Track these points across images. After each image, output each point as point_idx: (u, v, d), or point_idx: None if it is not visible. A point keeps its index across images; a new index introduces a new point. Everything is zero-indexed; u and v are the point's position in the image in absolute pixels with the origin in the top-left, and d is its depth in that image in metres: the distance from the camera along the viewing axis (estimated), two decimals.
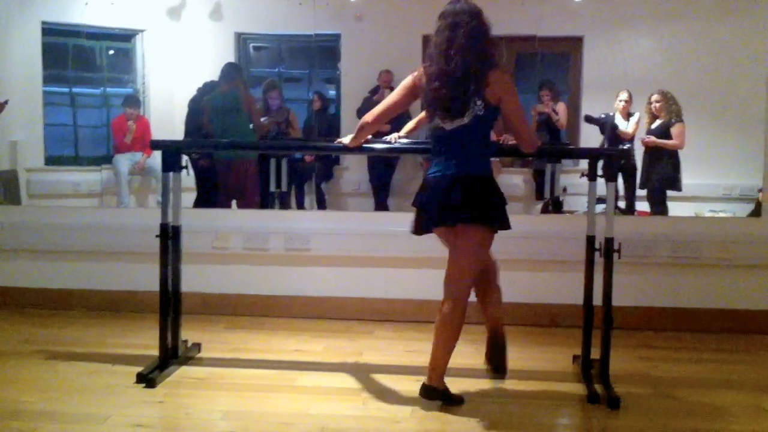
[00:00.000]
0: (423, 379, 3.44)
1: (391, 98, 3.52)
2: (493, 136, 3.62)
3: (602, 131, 6.15)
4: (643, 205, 6.11)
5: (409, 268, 4.99)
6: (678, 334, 4.77)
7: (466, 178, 3.30)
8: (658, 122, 5.91)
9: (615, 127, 6.13)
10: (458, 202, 3.28)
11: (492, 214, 3.35)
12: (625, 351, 4.28)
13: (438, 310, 3.40)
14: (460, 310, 3.36)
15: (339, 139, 3.75)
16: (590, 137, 6.28)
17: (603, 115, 6.17)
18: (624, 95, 6.14)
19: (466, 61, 3.25)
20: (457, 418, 3.33)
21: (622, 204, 5.87)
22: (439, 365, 3.40)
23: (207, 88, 6.34)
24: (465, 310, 3.38)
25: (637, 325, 4.81)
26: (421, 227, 3.49)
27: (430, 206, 3.38)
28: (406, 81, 3.47)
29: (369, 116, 3.55)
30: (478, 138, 3.35)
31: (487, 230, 3.38)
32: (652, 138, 5.92)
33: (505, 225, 3.42)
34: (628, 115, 6.16)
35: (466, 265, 3.40)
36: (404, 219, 5.09)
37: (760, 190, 5.60)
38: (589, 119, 6.21)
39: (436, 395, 3.42)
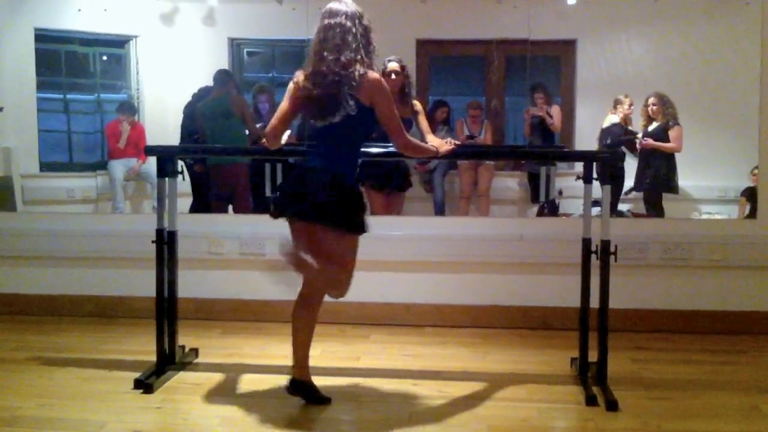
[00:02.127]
0: (420, 383, 3.45)
1: (280, 106, 3.51)
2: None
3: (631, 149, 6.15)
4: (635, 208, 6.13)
5: (403, 272, 5.00)
6: (671, 336, 4.79)
7: (321, 173, 3.35)
8: (654, 125, 5.92)
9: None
10: (316, 200, 3.33)
11: (341, 216, 3.38)
12: (619, 353, 4.28)
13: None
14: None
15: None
16: (585, 140, 6.29)
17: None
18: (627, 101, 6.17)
19: (338, 61, 3.27)
20: (454, 420, 3.34)
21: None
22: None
23: (202, 94, 6.34)
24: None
25: (631, 327, 4.83)
26: (272, 209, 3.54)
27: (284, 194, 3.50)
28: (289, 86, 3.46)
29: (268, 126, 3.54)
30: (347, 137, 3.38)
31: (331, 232, 3.40)
32: (650, 141, 5.94)
33: (355, 229, 3.46)
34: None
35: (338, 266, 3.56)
36: (398, 223, 5.13)
37: (742, 194, 5.64)
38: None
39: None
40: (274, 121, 3.51)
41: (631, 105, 6.13)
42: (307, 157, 3.48)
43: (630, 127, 6.12)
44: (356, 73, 3.27)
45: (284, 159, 4.13)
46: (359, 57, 3.30)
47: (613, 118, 6.16)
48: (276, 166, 5.04)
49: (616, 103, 6.18)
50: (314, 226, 3.37)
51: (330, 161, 3.37)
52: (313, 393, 3.52)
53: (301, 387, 3.50)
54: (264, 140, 3.64)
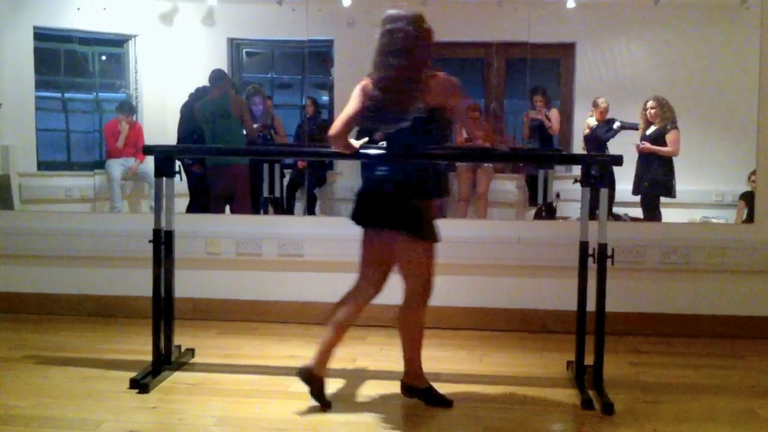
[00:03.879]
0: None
1: (347, 108, 3.49)
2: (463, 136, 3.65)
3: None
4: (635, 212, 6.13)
5: None
6: (669, 340, 4.79)
7: (389, 181, 3.38)
8: (653, 128, 5.92)
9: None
10: (382, 206, 3.38)
11: (409, 223, 3.39)
12: (616, 356, 4.29)
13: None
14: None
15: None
16: (582, 143, 6.29)
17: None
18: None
19: (404, 66, 3.28)
20: (451, 422, 3.34)
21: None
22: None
23: (199, 94, 6.34)
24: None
25: (628, 331, 4.83)
26: (359, 218, 3.52)
27: (358, 203, 3.48)
28: (356, 90, 3.46)
29: (332, 130, 3.51)
30: (419, 141, 3.39)
31: (414, 240, 3.42)
32: (647, 144, 5.94)
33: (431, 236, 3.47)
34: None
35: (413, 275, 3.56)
36: None
37: (741, 198, 5.64)
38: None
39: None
40: (338, 124, 3.48)
41: (606, 107, 6.17)
42: (378, 164, 3.46)
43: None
44: (424, 77, 3.29)
45: (280, 160, 4.14)
46: (424, 60, 3.33)
47: (591, 121, 6.19)
48: (275, 167, 5.06)
49: (594, 105, 6.21)
50: (397, 234, 3.42)
51: (401, 166, 3.39)
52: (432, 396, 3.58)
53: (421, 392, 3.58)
54: (331, 143, 3.60)
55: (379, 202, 3.41)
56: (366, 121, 3.45)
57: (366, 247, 3.56)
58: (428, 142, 3.42)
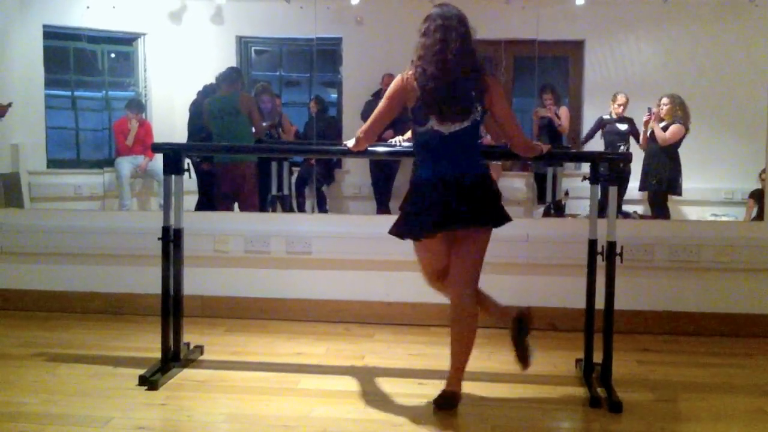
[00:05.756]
0: (425, 382, 3.44)
1: (380, 108, 3.44)
2: (488, 139, 3.64)
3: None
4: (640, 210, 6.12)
5: (409, 271, 4.97)
6: (677, 338, 4.78)
7: (468, 178, 3.31)
8: (662, 124, 5.91)
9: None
10: (468, 205, 3.28)
11: (497, 214, 3.39)
12: (625, 355, 4.28)
13: (456, 314, 3.46)
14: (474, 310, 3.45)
15: (345, 143, 3.72)
16: (592, 141, 6.28)
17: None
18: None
19: (465, 64, 3.26)
20: (459, 421, 3.34)
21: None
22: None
23: (207, 92, 6.35)
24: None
25: (638, 329, 4.82)
26: (412, 231, 3.41)
27: (431, 209, 3.31)
28: (393, 88, 3.39)
29: (361, 131, 3.51)
30: (475, 141, 3.39)
31: (490, 231, 3.42)
32: (644, 126, 5.95)
33: (507, 218, 3.44)
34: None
35: (479, 267, 3.47)
36: None
37: (750, 196, 5.62)
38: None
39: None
40: (372, 123, 3.47)
41: (623, 102, 6.17)
42: (428, 164, 3.37)
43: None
44: (481, 78, 3.28)
45: (287, 158, 4.13)
46: (478, 60, 3.31)
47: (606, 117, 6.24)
48: (283, 165, 5.06)
49: (612, 99, 6.23)
50: (476, 230, 3.38)
51: (467, 165, 3.33)
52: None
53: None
54: (350, 141, 3.59)
55: (467, 199, 3.29)
56: (420, 119, 3.35)
57: (440, 251, 3.46)
58: (478, 141, 3.43)
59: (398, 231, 3.46)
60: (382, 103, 3.44)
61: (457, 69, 3.26)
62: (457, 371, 3.46)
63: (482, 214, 3.34)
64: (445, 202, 3.29)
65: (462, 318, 3.43)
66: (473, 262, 3.44)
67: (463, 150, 3.33)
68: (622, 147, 6.06)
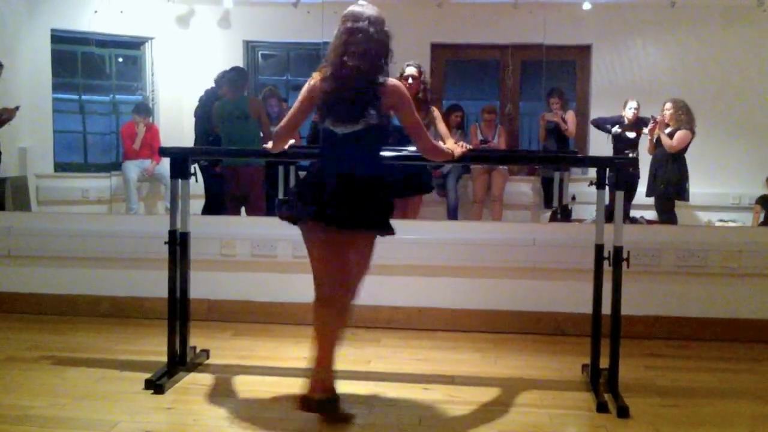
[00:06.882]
0: (431, 387, 3.43)
1: (295, 105, 3.45)
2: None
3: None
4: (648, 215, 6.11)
5: (416, 276, 5.00)
6: (685, 343, 4.76)
7: (356, 180, 3.26)
8: (668, 130, 5.91)
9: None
10: (346, 206, 3.22)
11: (377, 222, 3.33)
12: (632, 360, 4.27)
13: (317, 314, 3.39)
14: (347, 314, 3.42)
15: (264, 145, 3.73)
16: (599, 145, 6.28)
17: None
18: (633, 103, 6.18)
19: (360, 68, 3.20)
20: (465, 426, 3.33)
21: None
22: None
23: (209, 95, 6.35)
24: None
25: (643, 334, 4.80)
26: (298, 215, 3.37)
27: (314, 199, 3.26)
28: (304, 89, 3.39)
29: (279, 127, 3.52)
30: (372, 144, 3.33)
31: (371, 237, 3.38)
32: (659, 122, 5.91)
33: (387, 228, 3.37)
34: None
35: (359, 271, 3.45)
36: (411, 227, 5.11)
37: (757, 202, 5.60)
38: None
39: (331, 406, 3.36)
40: (285, 123, 3.48)
41: (635, 107, 6.16)
42: (325, 161, 3.36)
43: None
44: (378, 82, 3.23)
45: (296, 161, 4.13)
46: (380, 65, 3.26)
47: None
48: (289, 169, 5.07)
49: (624, 105, 6.22)
50: (358, 233, 3.32)
51: (362, 166, 3.29)
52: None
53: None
54: (270, 143, 3.62)
55: (356, 201, 3.25)
56: (320, 118, 3.36)
57: (333, 248, 3.37)
58: (379, 145, 3.37)
59: (284, 213, 3.45)
60: (297, 100, 3.44)
61: (352, 73, 3.21)
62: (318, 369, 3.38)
63: (357, 218, 3.26)
64: (328, 198, 3.23)
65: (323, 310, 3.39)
66: (345, 264, 3.38)
67: (355, 152, 3.29)
68: (630, 153, 6.06)
